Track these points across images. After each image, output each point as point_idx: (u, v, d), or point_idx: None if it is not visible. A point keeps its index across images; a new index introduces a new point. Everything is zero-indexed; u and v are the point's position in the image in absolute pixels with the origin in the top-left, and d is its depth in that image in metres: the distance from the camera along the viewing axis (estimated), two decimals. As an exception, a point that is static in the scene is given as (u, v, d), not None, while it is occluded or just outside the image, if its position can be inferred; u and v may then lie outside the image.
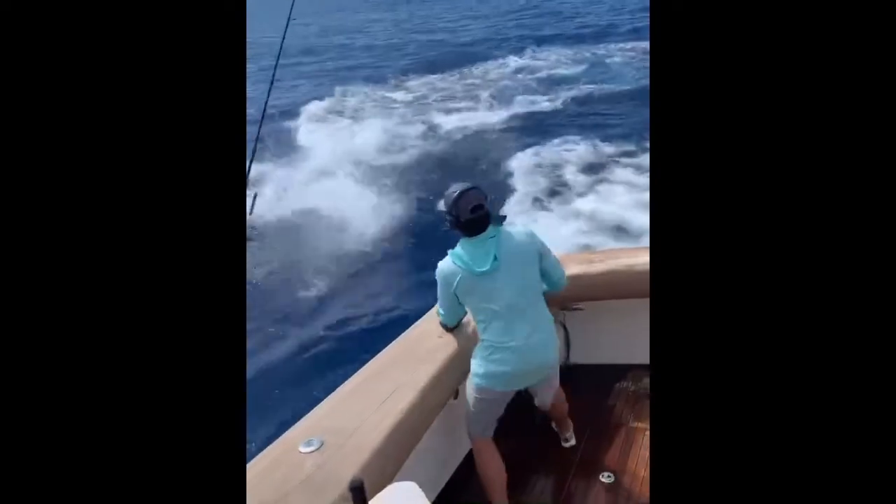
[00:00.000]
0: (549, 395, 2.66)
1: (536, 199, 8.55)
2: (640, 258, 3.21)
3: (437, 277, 2.46)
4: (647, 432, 2.95)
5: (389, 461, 2.08)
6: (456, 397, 2.71)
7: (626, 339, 3.13)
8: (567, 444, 2.94)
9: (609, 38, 20.58)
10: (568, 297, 3.21)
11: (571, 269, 3.18)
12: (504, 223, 2.46)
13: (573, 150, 10.24)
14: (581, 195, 8.48)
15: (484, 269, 2.32)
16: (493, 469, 2.47)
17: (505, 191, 8.76)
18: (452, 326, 2.66)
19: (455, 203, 2.36)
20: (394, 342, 2.77)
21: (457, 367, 2.63)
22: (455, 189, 2.40)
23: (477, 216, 2.34)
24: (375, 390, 2.36)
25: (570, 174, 9.30)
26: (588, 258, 3.37)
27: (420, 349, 2.65)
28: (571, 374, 3.16)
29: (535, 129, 11.80)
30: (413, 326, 2.89)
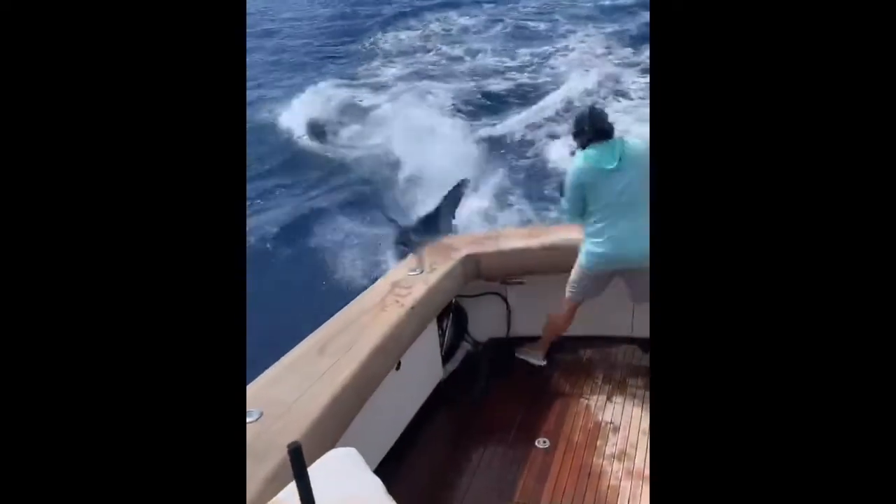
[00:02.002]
0: (639, 291, 3.01)
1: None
2: (580, 233, 3.35)
3: (567, 174, 3.06)
4: (582, 399, 3.15)
5: (329, 431, 2.11)
6: (398, 368, 2.75)
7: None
8: None
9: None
10: (509, 272, 3.39)
11: (513, 244, 3.38)
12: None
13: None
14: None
15: (611, 166, 2.91)
16: (563, 324, 3.24)
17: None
18: (573, 218, 3.11)
19: (584, 117, 3.08)
20: (333, 317, 2.79)
21: (398, 340, 2.67)
22: (584, 108, 3.26)
23: (602, 127, 3.01)
24: (314, 363, 2.38)
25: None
26: (529, 233, 3.53)
27: (360, 323, 2.68)
28: (513, 346, 3.43)
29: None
30: (353, 302, 2.92)
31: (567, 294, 3.17)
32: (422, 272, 3.09)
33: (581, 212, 3.05)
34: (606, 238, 2.95)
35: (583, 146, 3.04)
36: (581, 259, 3.06)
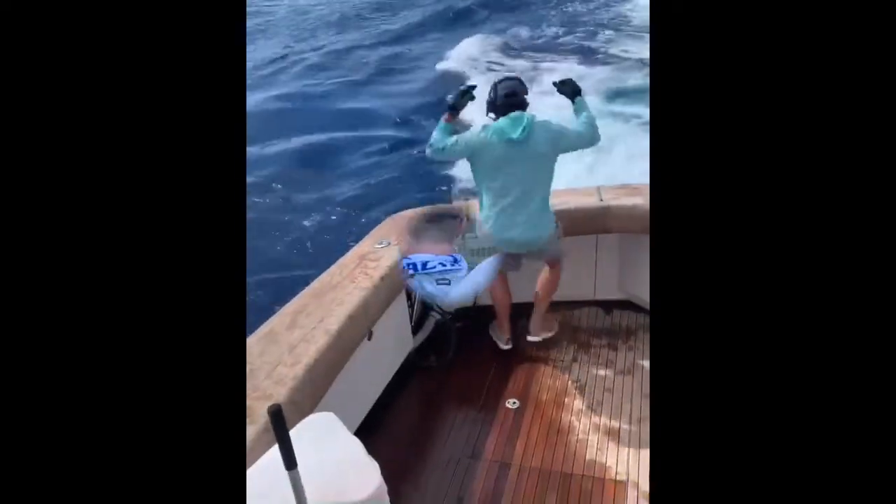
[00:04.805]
0: (540, 262, 3.24)
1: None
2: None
3: (469, 131, 2.94)
4: (548, 360, 3.31)
5: (305, 399, 2.16)
6: (370, 338, 2.80)
7: (528, 280, 3.42)
8: (531, 339, 3.40)
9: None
10: None
11: (478, 214, 3.45)
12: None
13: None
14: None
15: (514, 136, 2.82)
16: (500, 298, 3.30)
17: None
18: (439, 147, 2.93)
19: (493, 88, 2.99)
20: (302, 291, 2.83)
21: (368, 310, 2.73)
22: (498, 78, 3.05)
23: (509, 101, 2.92)
24: (287, 335, 2.43)
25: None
26: None
27: (330, 296, 2.72)
28: (480, 314, 3.61)
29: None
30: (321, 276, 2.96)
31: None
32: (388, 244, 3.15)
33: (448, 149, 2.93)
34: (514, 223, 2.94)
35: (494, 117, 2.96)
36: (489, 237, 3.02)
